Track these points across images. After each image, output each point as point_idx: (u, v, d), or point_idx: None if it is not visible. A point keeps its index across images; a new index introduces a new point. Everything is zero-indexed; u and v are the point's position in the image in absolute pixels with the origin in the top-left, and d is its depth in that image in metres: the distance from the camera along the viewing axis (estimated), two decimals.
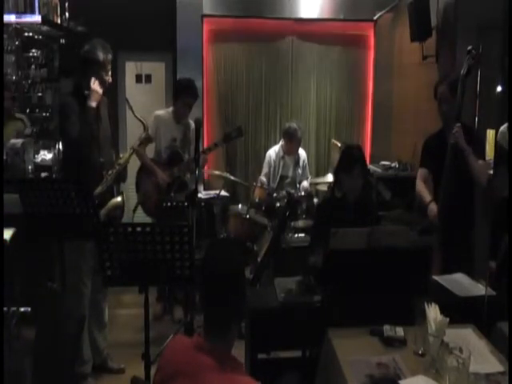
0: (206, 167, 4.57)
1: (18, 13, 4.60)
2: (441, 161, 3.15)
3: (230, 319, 1.59)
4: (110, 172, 3.22)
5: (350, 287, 2.33)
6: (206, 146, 4.29)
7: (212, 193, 5.15)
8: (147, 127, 3.45)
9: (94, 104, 3.13)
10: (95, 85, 3.15)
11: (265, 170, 4.97)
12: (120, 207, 3.26)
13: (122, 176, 3.34)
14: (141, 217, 4.28)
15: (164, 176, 4.11)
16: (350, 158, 2.99)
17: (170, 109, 4.27)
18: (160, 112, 4.27)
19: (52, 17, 4.94)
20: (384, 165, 5.26)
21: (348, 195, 2.99)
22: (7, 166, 4.21)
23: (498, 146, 2.89)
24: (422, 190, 3.34)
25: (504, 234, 2.85)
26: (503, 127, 2.96)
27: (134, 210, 4.16)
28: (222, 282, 1.57)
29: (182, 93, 4.13)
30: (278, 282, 2.89)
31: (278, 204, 4.47)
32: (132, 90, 6.06)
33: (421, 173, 3.41)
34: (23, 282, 3.46)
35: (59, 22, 5.10)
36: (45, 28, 4.90)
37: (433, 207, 3.18)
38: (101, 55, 3.14)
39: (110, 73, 3.22)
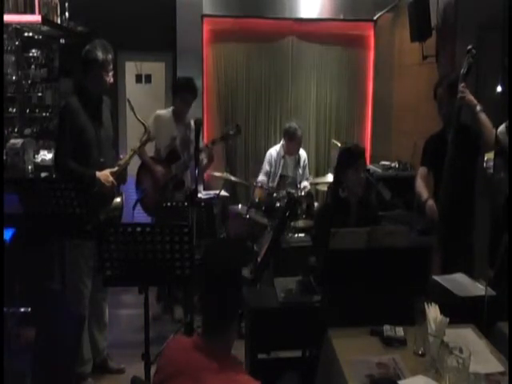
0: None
1: (18, 13, 4.60)
2: (441, 161, 3.15)
3: (227, 318, 1.60)
4: None
5: (350, 287, 2.33)
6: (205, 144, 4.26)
7: (212, 193, 5.15)
8: (148, 129, 3.44)
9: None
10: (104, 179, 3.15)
11: (265, 168, 4.96)
12: (119, 208, 3.26)
13: (122, 177, 3.34)
14: (140, 215, 4.27)
15: (162, 172, 4.12)
16: (351, 154, 2.98)
17: (171, 108, 4.31)
18: (161, 112, 4.30)
19: (52, 17, 4.94)
20: (384, 165, 5.26)
21: (352, 194, 2.96)
22: (7, 165, 4.21)
23: (497, 140, 2.88)
24: (420, 188, 3.34)
25: (504, 233, 2.84)
26: (502, 127, 2.96)
27: (134, 207, 4.17)
28: (219, 281, 1.58)
29: (180, 90, 4.18)
30: (278, 282, 2.89)
31: (278, 204, 4.46)
32: (132, 89, 6.06)
33: (420, 171, 3.43)
34: (23, 282, 3.46)
35: (59, 22, 5.10)
36: (45, 28, 4.90)
37: (431, 204, 3.18)
38: (100, 55, 3.12)
39: (111, 73, 3.21)
